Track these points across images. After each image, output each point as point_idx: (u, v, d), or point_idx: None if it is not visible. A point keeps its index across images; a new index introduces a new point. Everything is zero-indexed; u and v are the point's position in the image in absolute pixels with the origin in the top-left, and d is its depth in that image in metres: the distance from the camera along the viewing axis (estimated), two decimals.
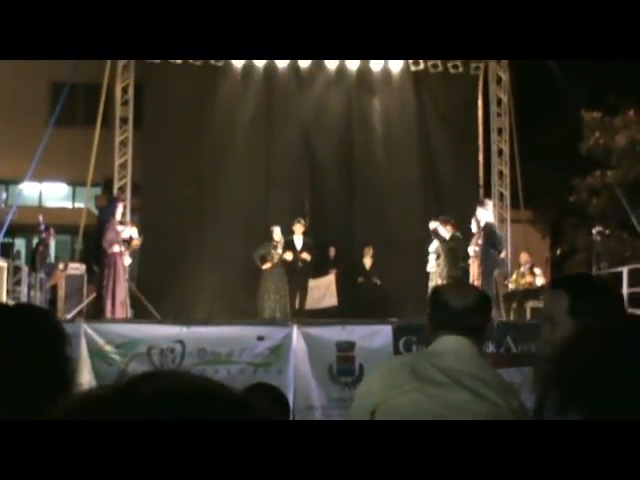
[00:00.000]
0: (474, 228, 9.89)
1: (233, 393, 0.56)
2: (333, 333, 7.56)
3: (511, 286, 11.27)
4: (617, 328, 0.98)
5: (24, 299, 9.99)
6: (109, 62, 11.72)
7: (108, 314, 8.99)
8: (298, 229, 11.04)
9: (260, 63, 12.17)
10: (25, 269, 10.85)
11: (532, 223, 15.56)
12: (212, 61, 11.86)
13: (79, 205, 16.22)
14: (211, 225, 11.57)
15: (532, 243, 13.21)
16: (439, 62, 12.39)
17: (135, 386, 0.54)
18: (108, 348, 7.26)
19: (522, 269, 11.19)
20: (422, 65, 12.48)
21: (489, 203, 10.35)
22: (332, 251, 11.60)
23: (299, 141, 12.31)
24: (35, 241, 12.94)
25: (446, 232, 10.30)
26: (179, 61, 11.44)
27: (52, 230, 12.28)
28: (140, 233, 10.08)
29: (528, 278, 11.00)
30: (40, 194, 19.06)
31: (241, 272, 11.30)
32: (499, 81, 12.84)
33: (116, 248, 9.14)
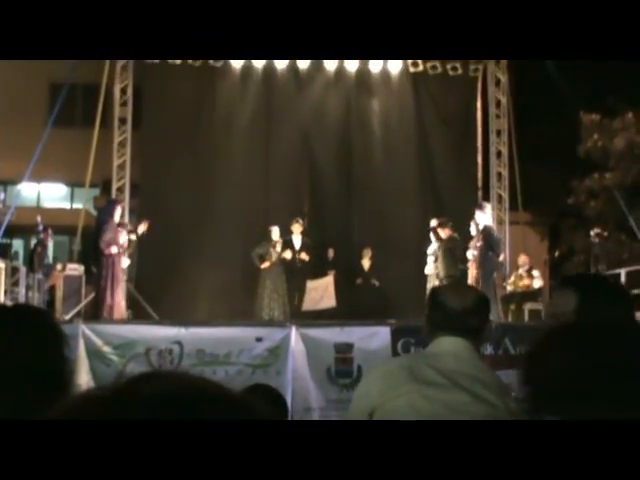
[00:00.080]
0: (473, 231, 9.91)
1: (232, 394, 0.56)
2: (331, 334, 7.56)
3: (509, 288, 11.28)
4: (588, 329, 0.97)
5: (22, 300, 9.98)
6: (108, 63, 11.71)
7: (106, 315, 8.98)
8: (297, 229, 11.04)
9: (259, 64, 12.17)
10: (23, 270, 10.84)
11: (530, 225, 15.58)
12: (211, 62, 11.86)
13: (77, 206, 16.20)
14: (210, 226, 11.56)
15: (530, 245, 13.22)
16: (438, 63, 12.40)
17: (133, 387, 0.54)
18: (106, 349, 7.25)
19: (520, 271, 11.20)
20: (421, 66, 12.49)
21: (488, 206, 10.37)
22: (331, 252, 11.60)
23: (298, 142, 12.31)
24: (33, 242, 12.93)
25: (443, 234, 10.33)
26: (178, 62, 11.44)
27: (50, 231, 12.27)
28: (143, 220, 10.04)
29: (526, 281, 11.01)
30: (38, 195, 19.05)
31: (240, 273, 11.30)
32: (498, 83, 12.86)
33: (114, 249, 9.14)
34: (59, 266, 11.30)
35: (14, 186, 15.32)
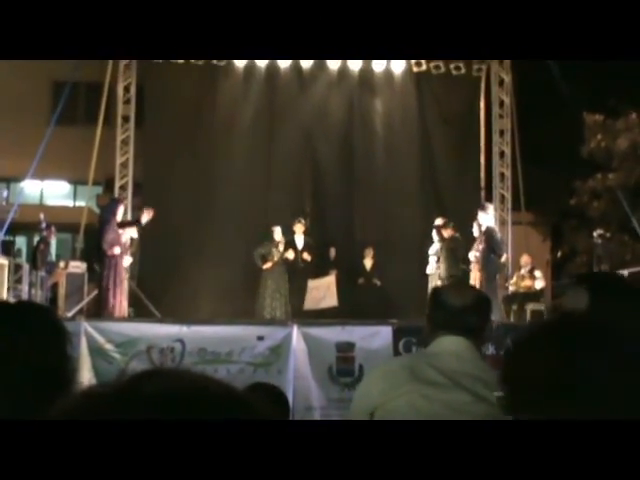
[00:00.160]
0: (476, 232, 9.90)
1: (234, 392, 0.56)
2: (333, 334, 7.56)
3: (511, 288, 11.26)
4: (569, 328, 0.97)
5: (25, 297, 9.99)
6: (111, 61, 11.72)
7: (108, 313, 8.98)
8: (299, 229, 11.04)
9: (262, 63, 12.16)
10: (26, 267, 10.86)
11: (533, 225, 15.56)
12: (214, 61, 11.86)
13: (80, 204, 16.22)
14: (212, 224, 11.57)
15: (533, 245, 13.20)
16: (441, 63, 12.38)
17: (136, 385, 0.54)
18: (108, 347, 7.26)
19: (522, 271, 11.19)
20: (424, 66, 12.47)
21: (490, 207, 10.35)
22: (332, 252, 11.60)
23: (300, 141, 12.30)
24: (36, 239, 12.95)
25: (446, 234, 10.33)
26: (181, 60, 11.44)
27: (53, 228, 12.29)
28: (145, 209, 10.02)
29: (528, 282, 11.00)
30: (41, 192, 19.07)
31: (242, 272, 11.30)
32: (501, 83, 12.84)
33: (117, 250, 9.14)
34: (62, 264, 11.31)
35: (17, 183, 15.35)
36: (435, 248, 10.65)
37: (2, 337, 1.27)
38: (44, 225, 12.04)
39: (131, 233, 9.71)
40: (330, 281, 11.11)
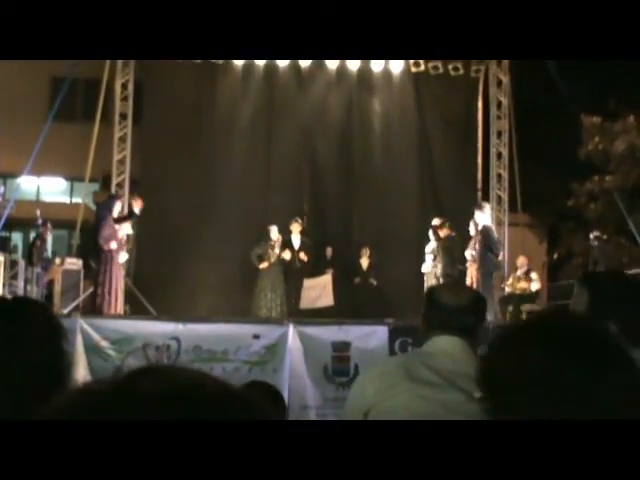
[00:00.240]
0: (472, 231, 9.92)
1: (230, 389, 0.56)
2: (329, 333, 7.56)
3: (507, 289, 11.29)
4: (546, 328, 0.97)
5: (20, 293, 9.98)
6: None
7: (104, 310, 8.98)
8: (295, 228, 11.04)
9: (261, 62, 12.16)
10: (22, 263, 10.86)
11: (530, 227, 15.59)
12: None
13: (77, 200, 16.20)
14: (209, 223, 11.56)
15: (529, 247, 13.23)
16: (440, 64, 12.39)
17: (132, 382, 0.54)
18: (104, 344, 7.25)
19: (518, 273, 11.21)
20: (423, 67, 12.48)
21: (487, 206, 10.37)
22: (329, 251, 11.60)
23: (299, 141, 12.30)
24: (32, 235, 12.93)
25: (442, 233, 10.35)
26: None
27: (49, 225, 12.27)
28: (133, 199, 10.03)
29: (523, 284, 11.02)
30: (38, 189, 19.04)
31: (238, 270, 11.30)
32: (499, 84, 12.85)
33: (113, 245, 9.13)
34: (58, 260, 11.29)
35: (14, 179, 15.32)
36: (432, 246, 10.67)
37: None
38: (40, 221, 12.03)
39: (127, 230, 9.70)
40: (326, 280, 11.12)
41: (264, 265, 10.67)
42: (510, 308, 10.69)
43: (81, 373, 6.75)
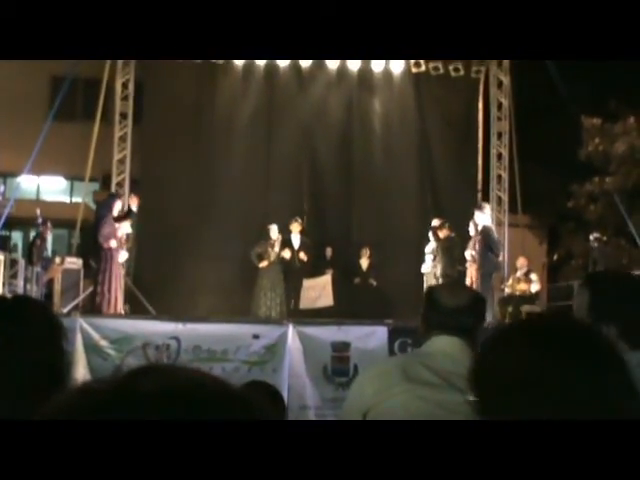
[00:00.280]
0: (472, 232, 9.92)
1: (230, 389, 0.56)
2: (329, 333, 7.56)
3: (507, 290, 11.29)
4: (535, 329, 0.97)
5: (20, 292, 9.97)
6: None
7: (103, 309, 8.98)
8: (295, 228, 11.04)
9: (261, 62, 12.15)
10: (22, 262, 10.85)
11: (530, 228, 15.58)
12: None
13: (77, 199, 16.19)
14: (209, 222, 11.56)
15: (529, 248, 13.23)
16: (440, 64, 12.39)
17: (132, 381, 0.54)
18: (103, 343, 7.26)
19: (518, 274, 11.21)
20: (423, 67, 12.48)
21: (487, 207, 10.37)
22: (329, 251, 11.60)
23: (299, 140, 12.30)
24: (32, 235, 12.92)
25: (441, 234, 10.35)
26: None
27: (49, 224, 12.26)
28: (130, 197, 10.05)
29: (523, 285, 11.02)
30: (38, 188, 19.03)
31: (238, 269, 11.30)
32: (500, 85, 12.85)
33: (113, 243, 9.14)
34: (58, 259, 11.29)
35: (14, 178, 15.31)
36: (431, 247, 10.67)
37: None
38: (40, 220, 12.02)
39: (126, 229, 9.70)
40: (326, 281, 11.12)
41: (264, 264, 10.66)
42: (510, 309, 10.69)
43: (81, 372, 6.75)
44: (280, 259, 10.73)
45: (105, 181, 13.82)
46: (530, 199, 12.83)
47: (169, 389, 0.52)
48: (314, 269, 11.24)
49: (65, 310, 9.30)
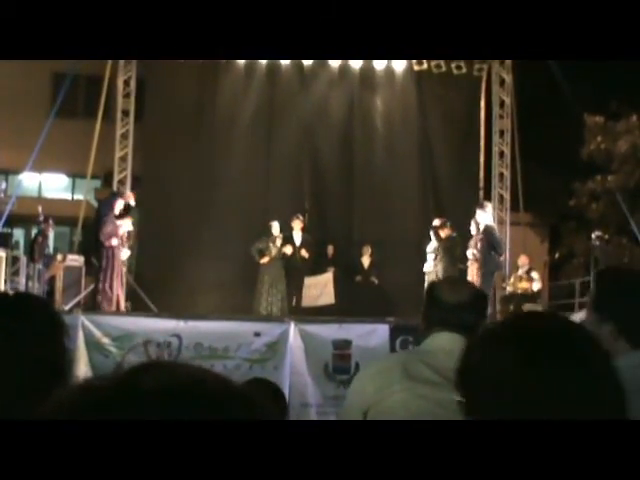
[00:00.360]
0: (473, 230, 9.90)
1: (232, 386, 0.56)
2: (330, 331, 7.57)
3: (509, 289, 11.29)
4: (520, 331, 0.97)
5: (22, 289, 9.98)
6: None
7: (105, 307, 8.99)
8: (297, 225, 11.04)
9: (263, 60, 12.15)
10: (24, 259, 10.85)
11: (531, 226, 15.56)
12: None
13: (79, 197, 16.20)
14: (210, 220, 11.56)
15: (531, 246, 13.22)
16: (442, 62, 12.38)
17: (133, 377, 0.54)
18: (105, 340, 7.27)
19: (520, 272, 11.21)
20: (425, 65, 12.47)
21: (489, 205, 10.36)
22: (330, 249, 11.60)
23: (300, 138, 12.30)
24: (34, 232, 12.94)
25: (443, 234, 10.34)
26: None
27: (51, 221, 12.28)
28: (126, 195, 10.07)
29: (525, 283, 11.02)
30: (40, 185, 19.04)
31: (240, 268, 11.30)
32: (502, 83, 12.84)
33: (114, 241, 9.14)
34: (59, 257, 11.30)
35: (15, 176, 15.32)
36: (433, 246, 10.67)
37: (0, 328, 1.27)
38: (42, 218, 12.04)
39: (127, 226, 9.70)
40: (327, 278, 11.12)
41: (265, 260, 10.66)
42: (511, 307, 10.69)
43: (82, 369, 6.76)
44: (281, 255, 10.73)
45: (107, 178, 13.82)
46: (532, 197, 12.82)
47: (170, 386, 0.52)
48: (315, 267, 11.24)
49: (67, 307, 9.31)
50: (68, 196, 18.75)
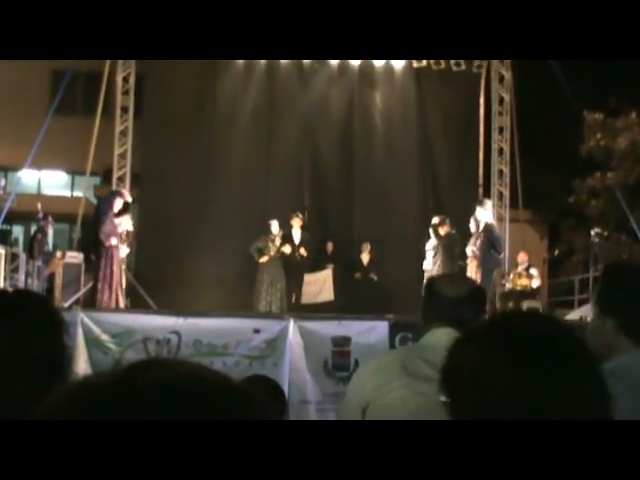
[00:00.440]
0: (473, 228, 9.90)
1: (231, 383, 0.56)
2: (329, 328, 7.56)
3: (508, 286, 11.29)
4: (504, 330, 0.97)
5: (21, 286, 9.99)
6: None
7: (104, 304, 8.99)
8: (296, 223, 11.03)
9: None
10: (23, 256, 10.87)
11: (530, 223, 15.57)
12: None
13: (78, 194, 16.19)
14: (210, 217, 11.56)
15: (530, 243, 13.23)
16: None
17: (132, 374, 0.54)
18: (104, 337, 7.26)
19: (519, 269, 11.22)
20: (424, 62, 12.45)
21: (488, 203, 10.34)
22: (330, 246, 11.61)
23: (300, 136, 12.29)
24: (33, 229, 12.94)
25: (442, 231, 10.34)
26: None
27: (50, 218, 12.29)
28: (123, 192, 10.08)
29: (524, 280, 11.02)
30: (39, 182, 19.03)
31: (239, 264, 11.31)
32: (501, 80, 12.83)
33: (114, 240, 9.14)
34: (59, 254, 11.30)
35: (15, 173, 15.31)
36: (432, 243, 10.66)
37: (0, 325, 1.27)
38: (41, 215, 12.05)
39: (127, 224, 9.69)
40: (327, 275, 11.12)
41: (264, 259, 10.67)
42: (510, 305, 10.70)
43: (81, 366, 6.76)
44: (280, 254, 10.74)
45: (106, 175, 13.81)
46: (531, 194, 12.82)
47: (169, 383, 0.52)
48: (315, 264, 11.24)
49: (66, 304, 9.31)
50: (67, 193, 18.74)
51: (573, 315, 10.24)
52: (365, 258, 11.56)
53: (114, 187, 11.42)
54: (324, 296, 10.88)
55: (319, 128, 12.38)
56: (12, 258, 10.42)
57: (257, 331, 7.44)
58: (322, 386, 7.35)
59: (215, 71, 12.14)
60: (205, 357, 7.10)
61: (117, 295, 9.20)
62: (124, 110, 12.14)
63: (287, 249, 10.74)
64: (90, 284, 9.90)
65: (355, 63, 12.40)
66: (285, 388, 6.53)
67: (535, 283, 11.10)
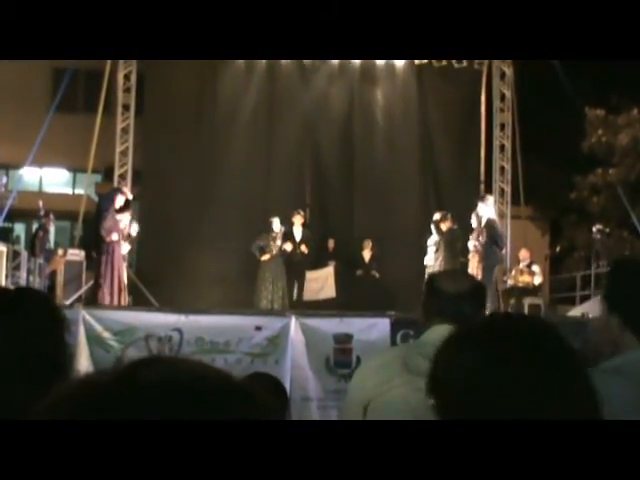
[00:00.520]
0: (474, 223, 9.89)
1: (233, 380, 0.56)
2: (331, 325, 7.56)
3: (510, 282, 11.29)
4: (492, 331, 0.97)
5: (23, 284, 10.00)
6: None
7: (106, 302, 8.99)
8: (297, 220, 11.04)
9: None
10: (24, 254, 10.87)
11: (532, 220, 15.56)
12: None
13: (79, 191, 16.20)
14: (211, 214, 11.57)
15: (532, 240, 13.22)
16: None
17: (133, 372, 0.54)
18: (106, 335, 7.27)
19: (521, 266, 11.21)
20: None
21: (490, 198, 10.34)
22: (331, 243, 11.61)
23: (301, 133, 12.29)
24: (35, 226, 12.95)
25: (444, 227, 10.33)
26: None
27: (52, 216, 12.29)
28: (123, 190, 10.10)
29: (526, 277, 11.02)
30: (40, 180, 19.04)
31: (241, 262, 11.31)
32: (503, 76, 12.81)
33: (115, 236, 9.14)
34: (60, 251, 11.31)
35: (16, 170, 15.31)
36: (434, 239, 10.66)
37: (1, 323, 1.27)
38: (43, 212, 12.04)
39: (127, 221, 9.68)
40: (328, 272, 11.12)
41: (265, 257, 10.67)
42: (512, 301, 10.69)
43: (83, 364, 6.77)
44: (282, 252, 10.74)
45: (107, 173, 13.82)
46: (533, 191, 12.81)
47: (171, 380, 0.52)
48: (317, 261, 11.25)
49: (68, 302, 9.32)
50: (69, 190, 18.74)
51: (575, 312, 10.22)
52: (366, 255, 11.56)
53: (115, 185, 11.43)
54: (326, 293, 10.88)
55: (320, 126, 12.37)
56: (14, 256, 10.42)
57: (259, 328, 7.44)
58: (324, 383, 7.35)
59: (216, 68, 12.14)
60: (207, 354, 7.11)
61: (119, 291, 9.21)
62: (125, 108, 12.14)
63: (288, 246, 10.74)
64: (92, 281, 9.90)
65: (356, 61, 12.38)
66: (287, 385, 6.54)
67: (537, 280, 11.09)
